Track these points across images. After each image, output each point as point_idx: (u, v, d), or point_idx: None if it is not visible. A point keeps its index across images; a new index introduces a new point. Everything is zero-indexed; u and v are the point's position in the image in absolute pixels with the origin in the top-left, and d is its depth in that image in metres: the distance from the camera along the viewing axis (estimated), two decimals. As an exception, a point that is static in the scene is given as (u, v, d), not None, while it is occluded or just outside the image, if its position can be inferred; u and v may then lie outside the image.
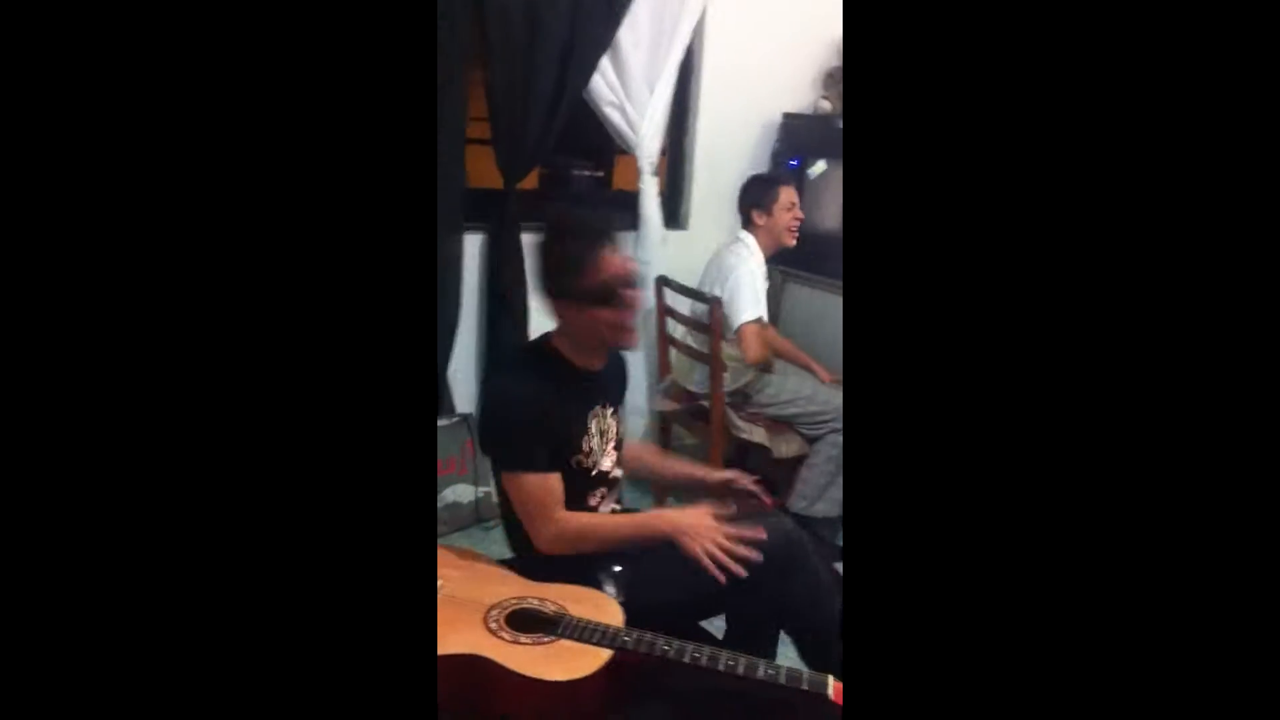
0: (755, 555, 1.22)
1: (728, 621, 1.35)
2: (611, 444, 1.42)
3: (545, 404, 1.28)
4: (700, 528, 1.25)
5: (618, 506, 1.48)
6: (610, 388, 1.43)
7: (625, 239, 1.35)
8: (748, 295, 2.26)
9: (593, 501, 1.39)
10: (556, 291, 1.31)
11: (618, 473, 1.46)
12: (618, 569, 1.30)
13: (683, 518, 1.27)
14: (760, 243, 2.34)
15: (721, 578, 1.21)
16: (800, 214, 2.35)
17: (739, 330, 2.26)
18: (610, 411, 1.41)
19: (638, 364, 2.69)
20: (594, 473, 1.38)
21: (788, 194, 2.33)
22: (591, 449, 1.37)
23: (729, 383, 2.31)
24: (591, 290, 1.27)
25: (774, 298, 2.62)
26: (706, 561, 1.22)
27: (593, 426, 1.36)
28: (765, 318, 2.33)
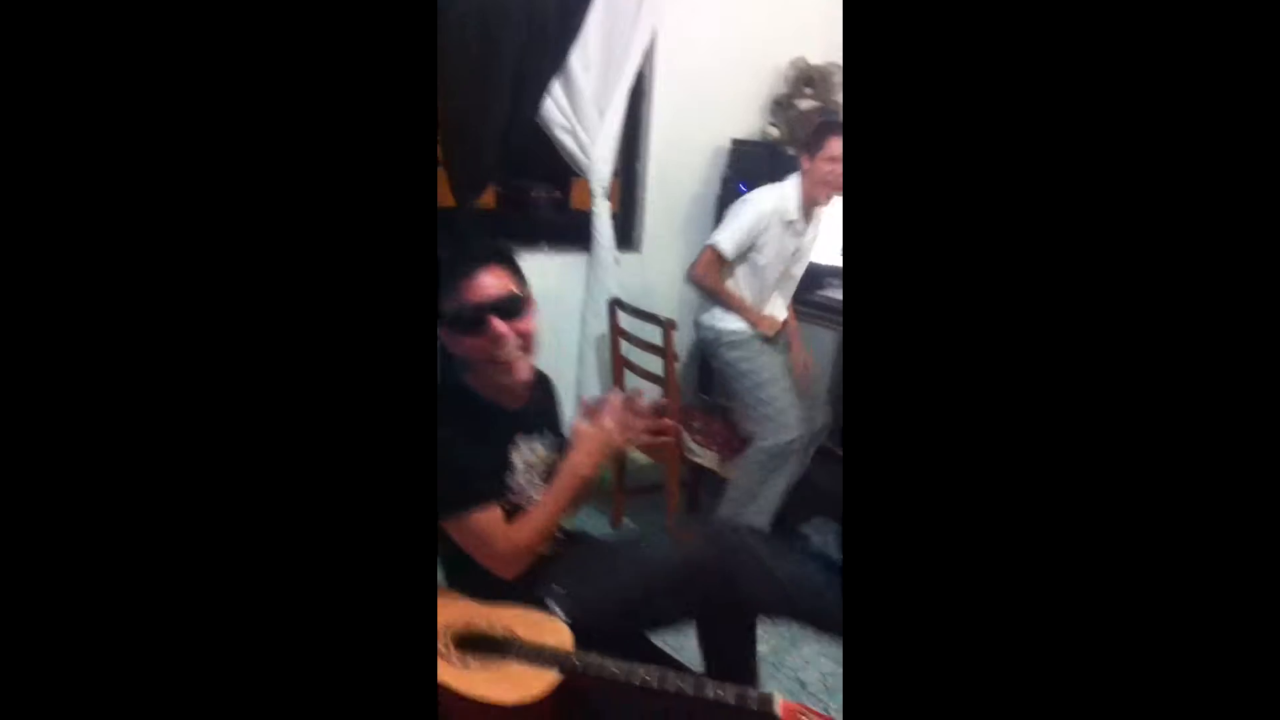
0: (671, 423, 1.24)
1: (697, 624, 1.35)
2: (539, 475, 1.35)
3: (460, 444, 1.18)
4: (612, 439, 1.27)
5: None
6: (530, 417, 1.35)
7: (523, 266, 1.27)
8: (730, 222, 2.25)
9: (515, 457, 1.32)
10: (443, 319, 1.22)
11: None
12: (561, 590, 1.26)
13: (588, 446, 1.27)
14: (803, 189, 2.27)
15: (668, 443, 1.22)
16: (840, 170, 2.18)
17: (705, 252, 2.25)
18: (533, 442, 1.34)
19: (592, 387, 2.70)
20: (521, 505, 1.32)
21: (834, 145, 2.17)
22: (520, 485, 1.32)
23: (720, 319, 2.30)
24: (459, 317, 1.20)
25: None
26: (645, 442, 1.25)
27: (516, 460, 1.31)
28: (729, 253, 2.23)
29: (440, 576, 1.41)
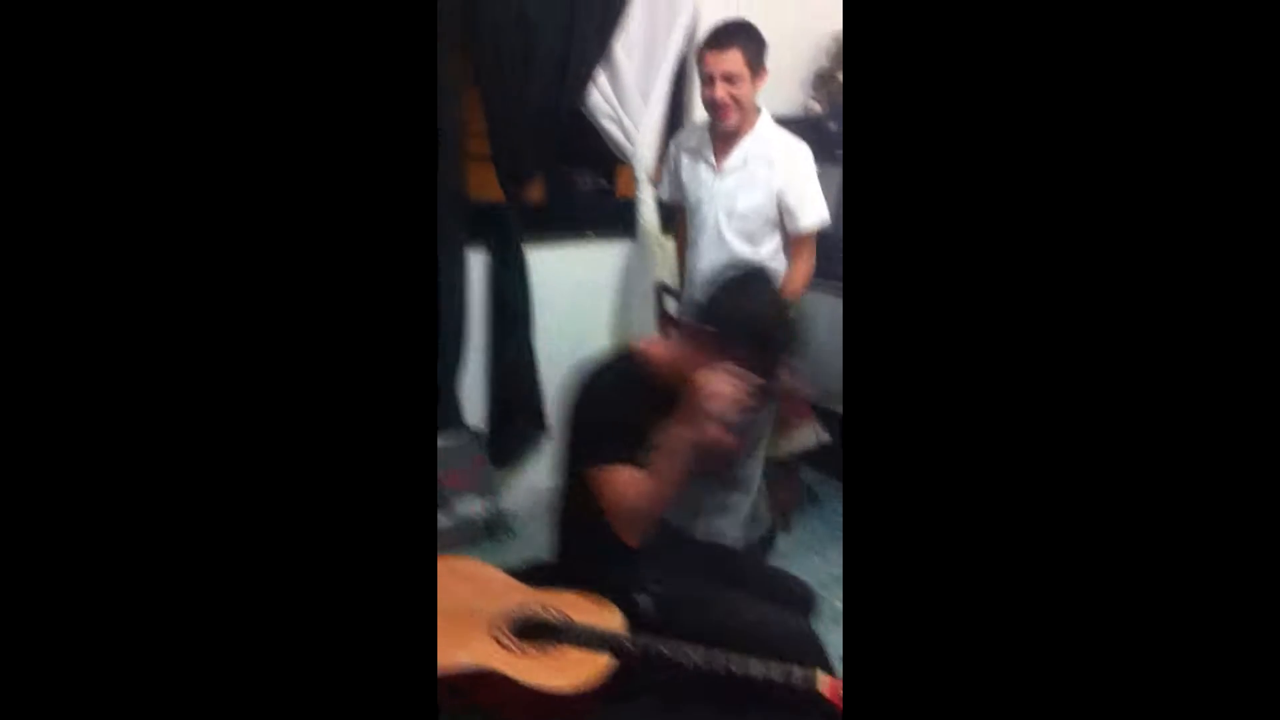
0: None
1: None
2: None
3: (635, 406, 1.29)
4: (715, 406, 1.22)
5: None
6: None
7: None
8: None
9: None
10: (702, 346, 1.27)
11: None
12: (658, 590, 1.29)
13: (699, 413, 1.22)
14: None
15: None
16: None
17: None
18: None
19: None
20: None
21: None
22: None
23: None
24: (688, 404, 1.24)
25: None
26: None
27: (654, 437, 1.33)
28: None
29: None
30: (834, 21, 2.77)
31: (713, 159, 2.10)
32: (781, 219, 2.09)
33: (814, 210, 2.09)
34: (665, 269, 2.62)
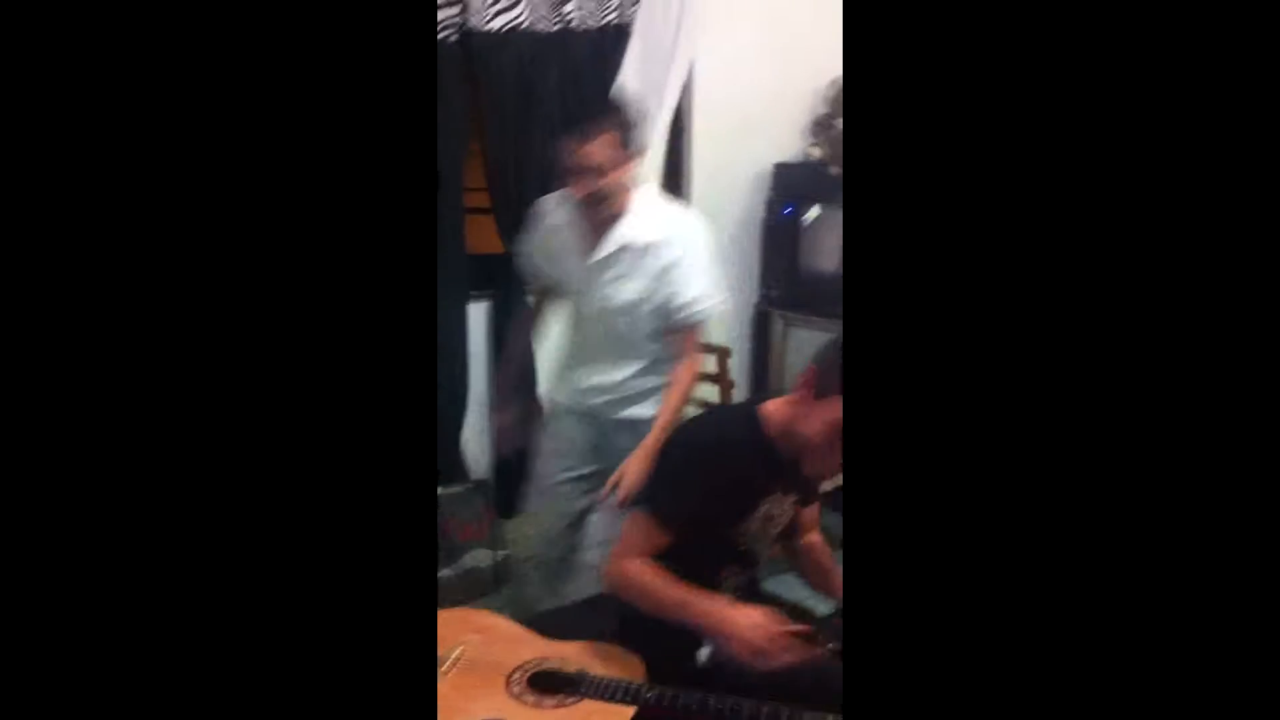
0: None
1: None
2: (776, 531, 1.35)
3: (723, 469, 1.22)
4: (754, 642, 1.13)
5: (740, 585, 1.34)
6: (804, 479, 1.32)
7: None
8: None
9: (723, 574, 1.30)
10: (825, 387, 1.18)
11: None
12: (704, 649, 1.23)
13: (739, 622, 1.14)
14: None
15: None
16: None
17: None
18: (791, 500, 1.33)
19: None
20: (743, 550, 1.32)
21: None
22: (750, 531, 1.30)
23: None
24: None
25: (780, 342, 2.65)
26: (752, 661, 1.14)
27: (763, 508, 1.29)
28: None
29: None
30: (832, 68, 2.83)
31: (581, 244, 1.72)
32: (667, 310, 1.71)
33: (702, 301, 1.71)
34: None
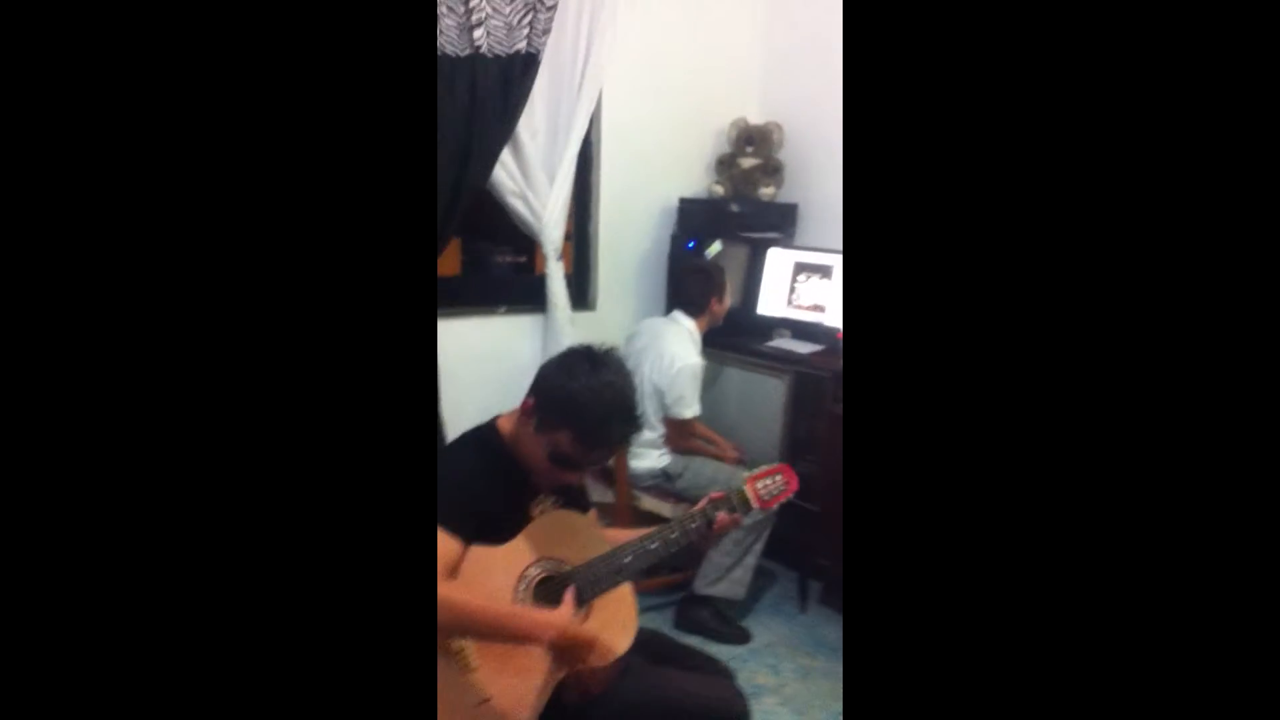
0: (606, 685, 1.26)
1: None
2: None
3: (487, 486, 1.27)
4: (567, 651, 1.22)
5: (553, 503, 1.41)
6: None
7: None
8: (693, 390, 2.34)
9: (534, 510, 1.35)
10: (541, 408, 1.28)
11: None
12: None
13: (552, 626, 1.21)
14: (700, 328, 2.43)
15: (572, 698, 1.24)
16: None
17: (680, 424, 2.34)
18: (553, 500, 1.38)
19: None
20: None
21: (729, 294, 2.49)
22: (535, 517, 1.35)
23: (654, 462, 2.36)
24: (560, 459, 1.28)
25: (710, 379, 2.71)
26: (569, 684, 1.24)
27: (535, 514, 1.34)
28: (699, 413, 2.39)
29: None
30: (738, 108, 2.94)
31: None
32: None
33: None
34: (574, 342, 2.63)
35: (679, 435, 2.38)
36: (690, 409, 2.34)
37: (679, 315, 2.45)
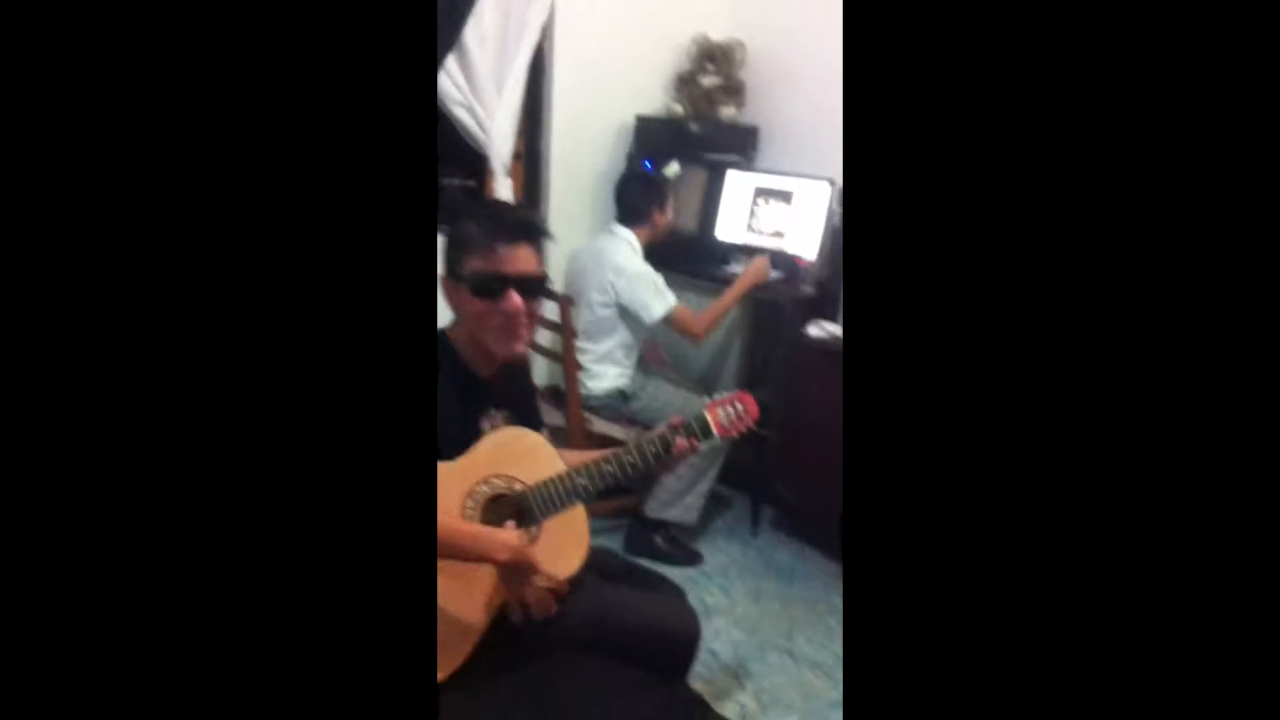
0: (553, 609, 1.22)
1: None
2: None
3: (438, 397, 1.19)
4: (517, 569, 1.18)
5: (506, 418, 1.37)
6: (505, 392, 1.35)
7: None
8: (652, 288, 2.25)
9: (485, 424, 1.30)
10: (449, 270, 1.24)
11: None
12: None
13: (505, 547, 1.16)
14: (642, 239, 2.35)
15: (517, 618, 1.21)
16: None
17: (673, 321, 2.26)
18: (504, 416, 1.33)
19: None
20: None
21: (670, 207, 2.41)
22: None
23: (611, 381, 2.30)
24: (484, 282, 1.20)
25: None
26: (513, 605, 1.21)
27: (485, 428, 1.29)
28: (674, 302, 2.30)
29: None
30: (697, 24, 2.81)
31: None
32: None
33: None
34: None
35: (692, 325, 2.28)
36: (661, 305, 2.25)
37: (616, 227, 2.36)
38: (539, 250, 1.25)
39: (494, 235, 1.20)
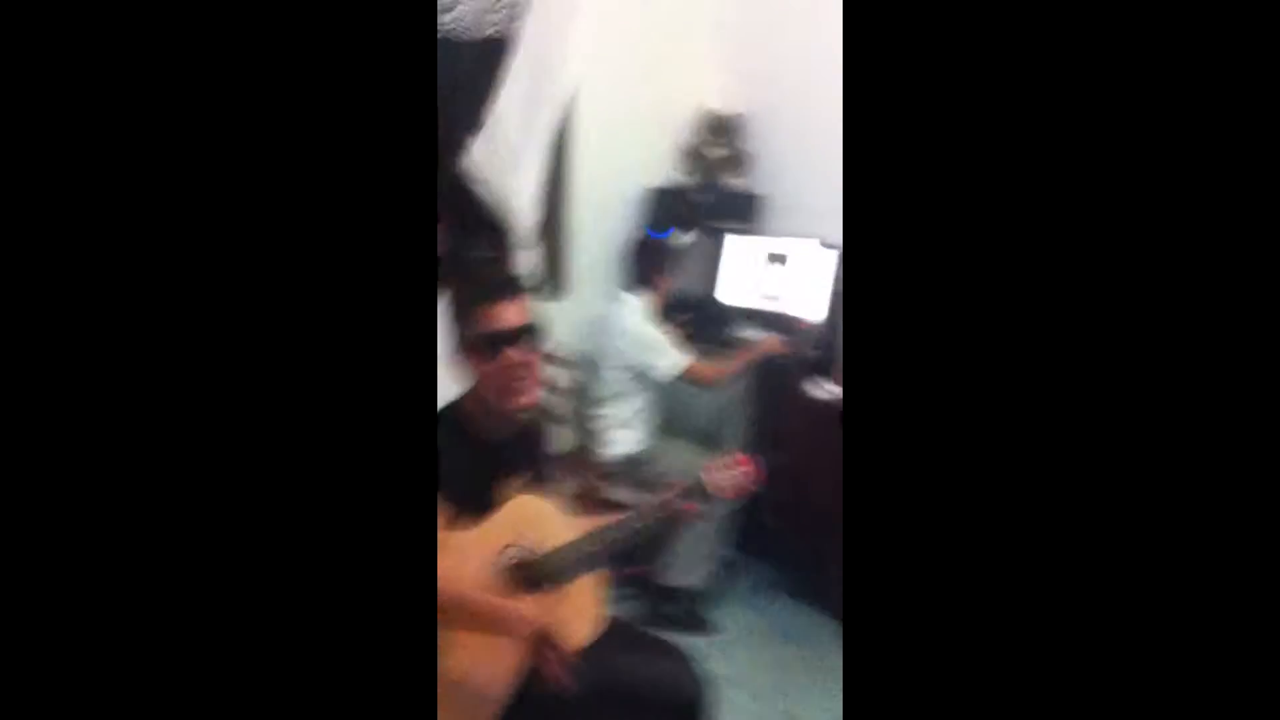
0: (571, 682, 1.25)
1: None
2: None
3: (455, 463, 1.22)
4: (541, 641, 1.23)
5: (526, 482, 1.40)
6: (522, 458, 1.38)
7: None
8: (656, 347, 2.32)
9: (502, 491, 1.33)
10: (455, 343, 1.30)
11: None
12: None
13: (530, 622, 1.22)
14: (648, 304, 2.42)
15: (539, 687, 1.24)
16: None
17: (689, 376, 2.32)
18: (522, 482, 1.36)
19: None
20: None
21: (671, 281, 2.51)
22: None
23: (627, 446, 2.37)
24: (477, 343, 1.26)
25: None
26: (537, 673, 1.24)
27: (504, 494, 1.32)
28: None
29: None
30: (703, 97, 2.93)
31: None
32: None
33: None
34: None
35: (707, 376, 2.35)
36: (669, 363, 2.31)
37: (622, 294, 2.45)
38: (524, 302, 1.30)
39: (481, 298, 1.27)
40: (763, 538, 2.60)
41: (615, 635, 1.43)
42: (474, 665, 1.21)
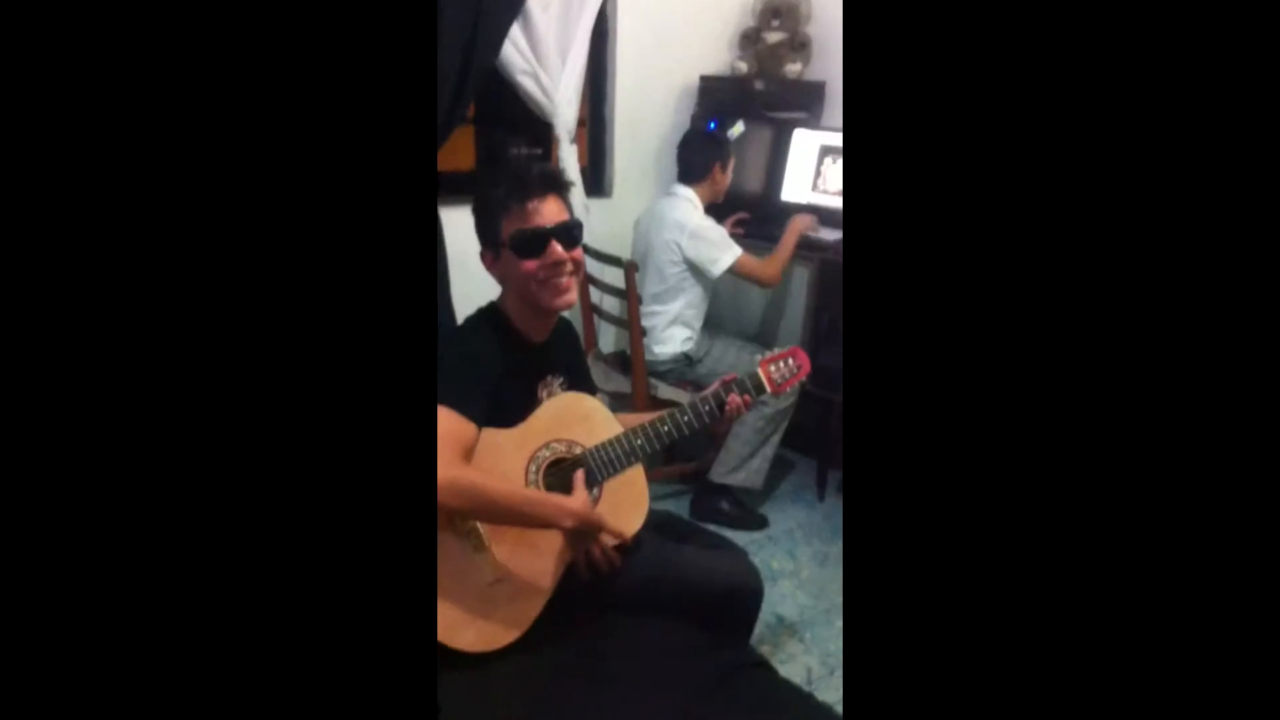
0: (619, 563, 1.27)
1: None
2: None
3: (496, 366, 1.23)
4: (584, 529, 1.22)
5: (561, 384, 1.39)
6: (559, 358, 1.38)
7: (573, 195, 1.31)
8: (715, 244, 2.27)
9: (542, 392, 1.33)
10: (485, 242, 1.28)
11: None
12: None
13: (570, 513, 1.19)
14: (703, 197, 2.35)
15: (585, 576, 1.26)
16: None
17: (741, 270, 2.28)
18: (560, 382, 1.36)
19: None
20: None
21: (731, 164, 2.41)
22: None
23: (677, 346, 2.32)
24: (523, 240, 1.23)
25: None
26: (580, 563, 1.25)
27: (543, 396, 1.32)
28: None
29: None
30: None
31: None
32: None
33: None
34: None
35: (760, 273, 2.30)
36: (727, 257, 2.26)
37: (677, 187, 2.36)
38: (566, 200, 1.28)
39: (522, 194, 1.22)
40: (815, 436, 2.57)
41: (666, 529, 1.43)
42: (520, 560, 1.21)
